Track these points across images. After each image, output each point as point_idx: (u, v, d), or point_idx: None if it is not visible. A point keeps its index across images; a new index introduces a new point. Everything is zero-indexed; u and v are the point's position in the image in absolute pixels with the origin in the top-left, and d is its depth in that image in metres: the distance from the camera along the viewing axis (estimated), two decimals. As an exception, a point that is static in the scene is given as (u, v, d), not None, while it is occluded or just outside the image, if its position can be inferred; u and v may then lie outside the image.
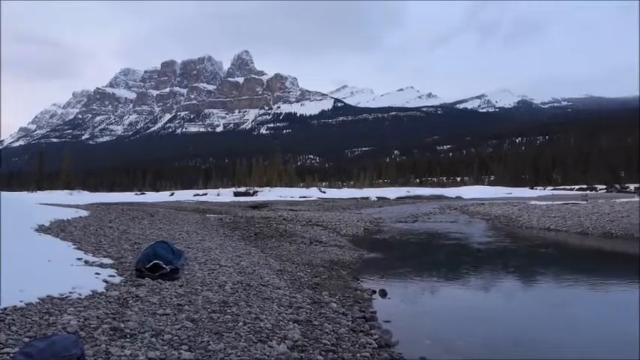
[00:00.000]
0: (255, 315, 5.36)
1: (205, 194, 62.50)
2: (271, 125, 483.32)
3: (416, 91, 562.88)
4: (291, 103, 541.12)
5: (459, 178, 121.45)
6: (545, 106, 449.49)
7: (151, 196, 57.90)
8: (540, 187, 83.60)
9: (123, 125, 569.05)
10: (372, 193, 62.96)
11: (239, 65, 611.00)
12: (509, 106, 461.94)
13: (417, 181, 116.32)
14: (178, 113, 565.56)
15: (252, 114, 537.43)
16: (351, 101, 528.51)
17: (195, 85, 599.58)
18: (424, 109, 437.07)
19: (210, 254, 9.42)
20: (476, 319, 6.90)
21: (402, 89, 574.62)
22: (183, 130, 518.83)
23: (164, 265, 6.66)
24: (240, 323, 4.99)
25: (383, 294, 7.89)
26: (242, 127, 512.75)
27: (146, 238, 10.50)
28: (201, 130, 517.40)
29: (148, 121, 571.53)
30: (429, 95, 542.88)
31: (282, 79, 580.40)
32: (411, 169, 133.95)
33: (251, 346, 4.41)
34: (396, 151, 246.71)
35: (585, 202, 29.93)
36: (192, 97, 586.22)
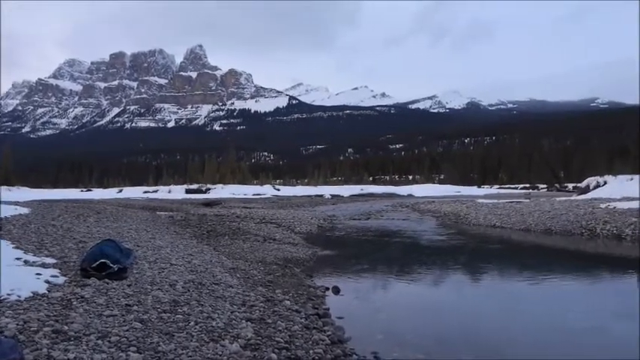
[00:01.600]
0: (207, 314, 5.27)
1: (156, 191, 60.85)
2: (225, 121, 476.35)
3: (370, 90, 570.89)
4: (245, 99, 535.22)
5: (410, 177, 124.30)
6: (493, 108, 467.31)
7: (98, 193, 55.74)
8: (487, 186, 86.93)
9: (67, 118, 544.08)
10: (327, 190, 63.27)
11: (192, 59, 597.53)
12: (459, 108, 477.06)
13: (371, 179, 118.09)
14: (128, 107, 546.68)
15: (205, 110, 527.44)
16: (306, 99, 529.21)
17: (145, 78, 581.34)
18: (378, 108, 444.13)
19: (161, 252, 9.18)
20: (427, 314, 7.10)
21: (356, 88, 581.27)
22: (133, 124, 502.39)
23: (111, 265, 6.42)
24: (192, 323, 4.89)
25: (336, 291, 7.95)
26: (195, 122, 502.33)
27: (92, 237, 10.09)
28: (152, 125, 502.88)
29: (94, 114, 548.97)
30: (383, 95, 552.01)
31: (236, 75, 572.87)
32: (365, 167, 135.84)
33: (203, 345, 4.34)
34: (350, 150, 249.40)
35: (528, 200, 31.40)
36: (143, 90, 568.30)
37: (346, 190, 64.61)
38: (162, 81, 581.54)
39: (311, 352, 4.60)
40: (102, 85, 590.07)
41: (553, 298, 8.15)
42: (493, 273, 10.94)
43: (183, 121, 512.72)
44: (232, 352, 4.28)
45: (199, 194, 54.32)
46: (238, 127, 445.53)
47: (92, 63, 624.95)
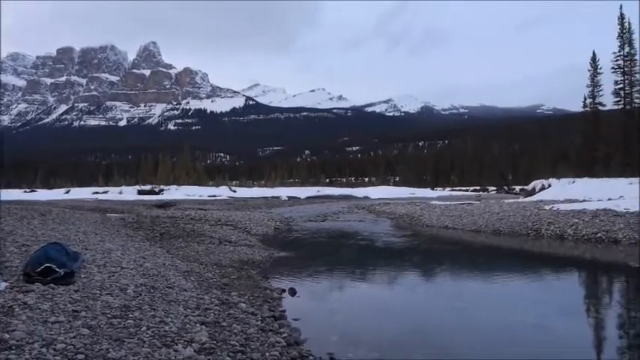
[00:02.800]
0: (160, 318, 5.13)
1: (106, 192, 58.83)
2: (180, 121, 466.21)
3: (327, 92, 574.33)
4: (201, 99, 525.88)
5: (366, 179, 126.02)
6: (446, 113, 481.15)
7: (43, 194, 53.23)
8: (440, 188, 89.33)
9: (10, 115, 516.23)
10: (283, 192, 63.13)
11: (145, 57, 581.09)
12: (414, 111, 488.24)
13: (327, 180, 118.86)
14: (76, 104, 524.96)
15: (159, 108, 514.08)
16: (263, 100, 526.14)
17: (95, 75, 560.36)
18: (335, 110, 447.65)
19: (111, 256, 8.87)
20: (381, 314, 7.21)
21: (313, 90, 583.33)
22: (82, 122, 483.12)
23: (57, 269, 6.14)
24: (144, 328, 4.75)
25: (292, 292, 7.95)
26: (148, 121, 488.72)
27: (37, 240, 9.61)
28: (102, 123, 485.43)
29: (40, 111, 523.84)
30: (340, 97, 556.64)
31: (191, 74, 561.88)
32: (322, 169, 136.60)
33: (155, 351, 4.22)
34: (306, 151, 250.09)
35: (479, 202, 32.53)
36: (93, 87, 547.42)
37: (303, 192, 64.71)
38: (114, 78, 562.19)
39: (267, 354, 4.58)
40: (48, 80, 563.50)
41: (501, 297, 8.48)
42: (445, 273, 11.27)
43: (136, 119, 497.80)
44: (186, 357, 4.19)
45: (152, 195, 53.00)
46: (194, 127, 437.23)
47: (37, 57, 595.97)
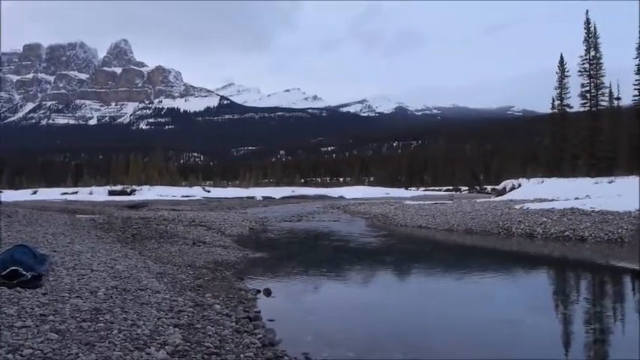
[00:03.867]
0: (132, 321, 5.04)
1: (75, 193, 57.51)
2: (152, 120, 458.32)
3: (302, 92, 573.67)
4: (174, 98, 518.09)
5: (341, 179, 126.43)
6: (419, 113, 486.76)
7: (9, 195, 51.48)
8: (414, 188, 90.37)
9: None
10: (258, 192, 62.89)
11: (116, 54, 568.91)
12: (388, 112, 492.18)
13: (302, 181, 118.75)
14: (44, 102, 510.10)
15: (130, 107, 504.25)
16: (237, 99, 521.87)
17: (64, 72, 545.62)
18: (310, 110, 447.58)
19: (81, 258, 8.65)
20: (356, 314, 7.25)
21: (288, 90, 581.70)
22: (50, 121, 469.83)
23: (24, 272, 5.95)
24: (115, 331, 4.65)
25: (267, 293, 7.92)
26: (119, 120, 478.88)
27: (2, 242, 9.30)
28: (72, 122, 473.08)
29: (5, 109, 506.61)
30: (315, 97, 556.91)
31: (164, 73, 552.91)
32: (297, 169, 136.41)
33: (127, 354, 4.14)
34: (281, 151, 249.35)
35: (451, 201, 33.05)
36: (61, 85, 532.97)
37: (278, 192, 64.55)
38: (83, 76, 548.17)
39: (242, 356, 4.55)
40: (14, 77, 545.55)
41: (473, 295, 8.64)
42: (419, 272, 11.41)
43: (107, 118, 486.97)
44: (159, 360, 4.12)
45: (124, 196, 52.07)
46: (166, 127, 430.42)
47: (3, 54, 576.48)
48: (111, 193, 55.83)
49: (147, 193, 56.67)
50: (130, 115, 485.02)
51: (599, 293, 9.02)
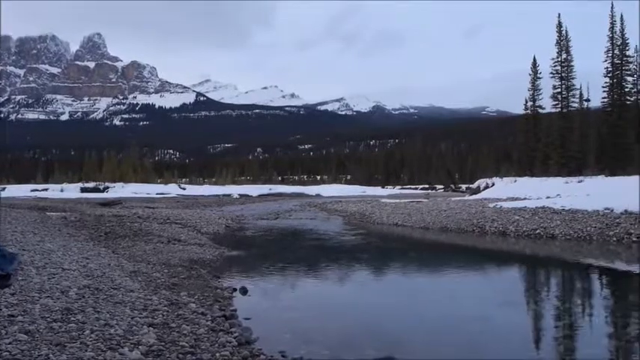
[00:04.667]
0: (105, 321, 4.95)
1: (46, 190, 56.06)
2: (126, 116, 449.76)
3: (280, 90, 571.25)
4: (149, 93, 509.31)
5: (318, 177, 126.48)
6: (396, 112, 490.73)
7: (-25, 192, 49.80)
8: (390, 186, 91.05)
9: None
10: (235, 190, 62.49)
11: (89, 48, 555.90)
12: (365, 111, 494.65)
13: (279, 178, 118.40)
14: (13, 97, 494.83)
15: (104, 103, 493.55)
16: (214, 96, 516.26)
17: (34, 66, 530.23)
18: (287, 108, 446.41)
19: (51, 257, 8.45)
20: (333, 311, 7.28)
21: (266, 87, 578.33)
22: (19, 116, 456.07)
23: (-9, 271, 5.78)
24: (87, 331, 4.57)
25: (244, 291, 7.88)
26: (92, 116, 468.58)
27: (-32, 241, 9.01)
28: (42, 117, 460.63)
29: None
30: (293, 95, 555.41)
31: (139, 68, 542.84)
32: (274, 166, 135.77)
33: (99, 355, 4.07)
34: (259, 149, 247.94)
35: (427, 200, 33.44)
36: (31, 79, 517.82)
37: (255, 190, 64.24)
38: (55, 70, 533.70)
39: (217, 354, 4.51)
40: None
41: (448, 292, 8.78)
42: (395, 269, 11.52)
43: (79, 114, 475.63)
44: (132, 360, 4.06)
45: (97, 193, 51.10)
46: (141, 123, 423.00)
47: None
48: (83, 190, 54.66)
49: (121, 190, 55.69)
50: (104, 111, 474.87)
51: (569, 289, 9.28)
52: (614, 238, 13.38)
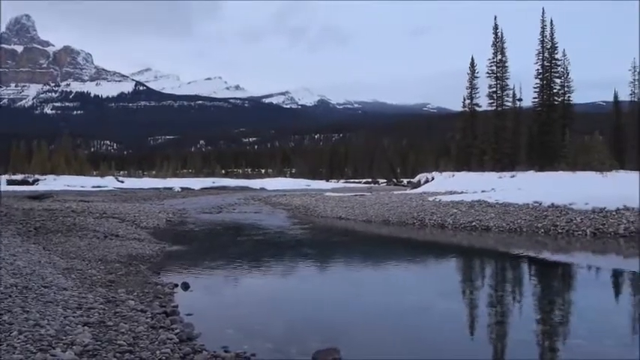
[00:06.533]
0: (35, 321, 4.68)
1: (-33, 182, 51.99)
2: (59, 104, 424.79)
3: (224, 82, 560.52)
4: (84, 81, 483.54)
5: (263, 170, 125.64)
6: (340, 107, 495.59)
7: None
8: (334, 180, 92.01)
9: None
10: (176, 183, 60.96)
11: (17, 31, 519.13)
12: (310, 105, 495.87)
13: (223, 172, 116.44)
14: None
15: (33, 89, 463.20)
16: (154, 86, 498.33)
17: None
18: (232, 100, 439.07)
19: (-26, 254, 7.87)
20: (276, 305, 7.28)
21: (210, 79, 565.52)
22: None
23: None
24: (15, 332, 4.30)
25: (185, 287, 7.72)
26: (20, 103, 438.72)
27: None
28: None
29: None
30: (237, 87, 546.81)
31: (73, 54, 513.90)
32: (217, 159, 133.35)
33: (28, 357, 3.85)
34: (201, 141, 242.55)
35: (370, 194, 34.12)
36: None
37: (197, 183, 62.91)
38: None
39: (158, 352, 4.40)
40: None
41: (391, 283, 9.03)
42: (339, 262, 11.69)
43: (5, 101, 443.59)
44: (66, 361, 3.88)
45: (25, 186, 48.10)
46: (75, 112, 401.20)
47: None
48: (10, 182, 51.27)
49: (52, 183, 52.76)
50: (33, 98, 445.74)
51: (501, 279, 9.82)
52: (542, 230, 14.27)
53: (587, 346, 5.21)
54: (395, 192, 34.38)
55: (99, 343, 4.42)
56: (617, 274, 9.72)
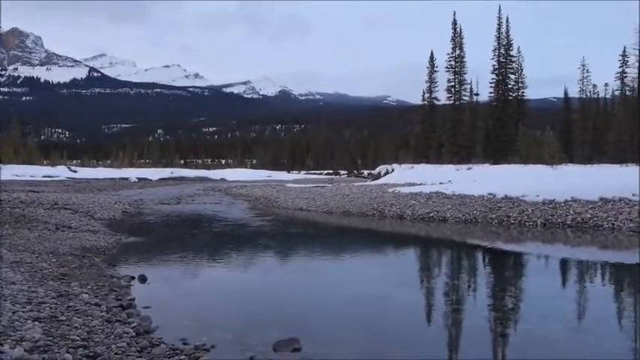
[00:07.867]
0: (-20, 317, 4.46)
1: None
2: (5, 90, 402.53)
3: (183, 70, 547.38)
4: (33, 65, 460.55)
5: (223, 161, 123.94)
6: (302, 98, 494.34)
7: None
8: (296, 171, 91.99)
9: None
10: (133, 173, 59.28)
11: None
12: (272, 95, 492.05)
13: (182, 162, 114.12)
14: None
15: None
16: (109, 72, 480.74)
17: None
18: (191, 89, 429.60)
19: None
20: (236, 297, 7.24)
21: (168, 66, 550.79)
22: None
23: None
24: (-42, 329, 4.09)
25: (142, 279, 7.56)
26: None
27: None
28: None
29: None
30: (197, 75, 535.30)
31: (21, 36, 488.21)
32: (176, 149, 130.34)
33: (-26, 355, 3.67)
34: (159, 130, 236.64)
35: (331, 185, 34.31)
36: None
37: (155, 173, 61.37)
38: None
39: (113, 346, 4.29)
40: None
41: (351, 273, 9.14)
42: (299, 253, 11.72)
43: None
44: (15, 358, 3.72)
45: (-31, 175, 45.42)
46: (24, 98, 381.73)
47: None
48: (-48, 171, 48.32)
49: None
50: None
51: (457, 268, 10.12)
52: (496, 221, 14.80)
53: (536, 330, 5.46)
54: (355, 183, 34.71)
55: (50, 338, 4.27)
56: (564, 263, 10.21)
